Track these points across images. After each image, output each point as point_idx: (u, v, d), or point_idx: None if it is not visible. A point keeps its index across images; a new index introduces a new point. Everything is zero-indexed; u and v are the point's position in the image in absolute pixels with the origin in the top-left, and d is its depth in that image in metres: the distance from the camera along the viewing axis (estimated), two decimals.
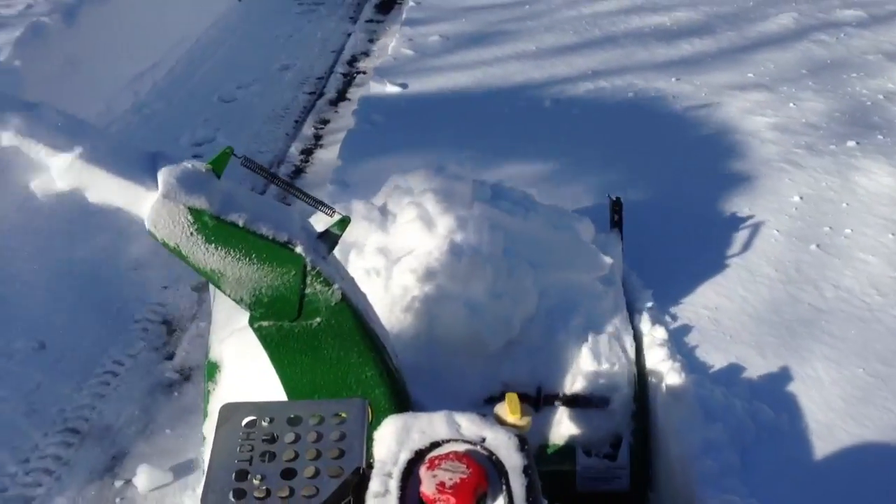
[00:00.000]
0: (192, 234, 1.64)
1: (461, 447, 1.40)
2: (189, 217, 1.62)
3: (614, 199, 3.05)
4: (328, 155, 4.76)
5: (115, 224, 3.44)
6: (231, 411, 1.55)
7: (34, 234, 3.84)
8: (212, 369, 2.44)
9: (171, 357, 3.37)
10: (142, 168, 1.64)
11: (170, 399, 3.11)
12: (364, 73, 6.24)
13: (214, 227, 1.64)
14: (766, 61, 4.86)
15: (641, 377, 2.49)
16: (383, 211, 2.63)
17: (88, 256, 3.83)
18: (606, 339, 2.49)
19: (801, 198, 3.37)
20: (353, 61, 6.51)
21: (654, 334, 2.64)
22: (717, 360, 2.52)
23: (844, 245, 3.06)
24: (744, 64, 4.85)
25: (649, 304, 2.77)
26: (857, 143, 3.77)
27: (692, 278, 2.86)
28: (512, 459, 1.40)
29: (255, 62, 6.33)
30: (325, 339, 1.84)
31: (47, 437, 2.96)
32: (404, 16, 6.11)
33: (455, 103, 4.53)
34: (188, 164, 1.66)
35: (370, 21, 7.22)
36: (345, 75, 6.26)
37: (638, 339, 2.59)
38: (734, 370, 2.47)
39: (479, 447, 1.42)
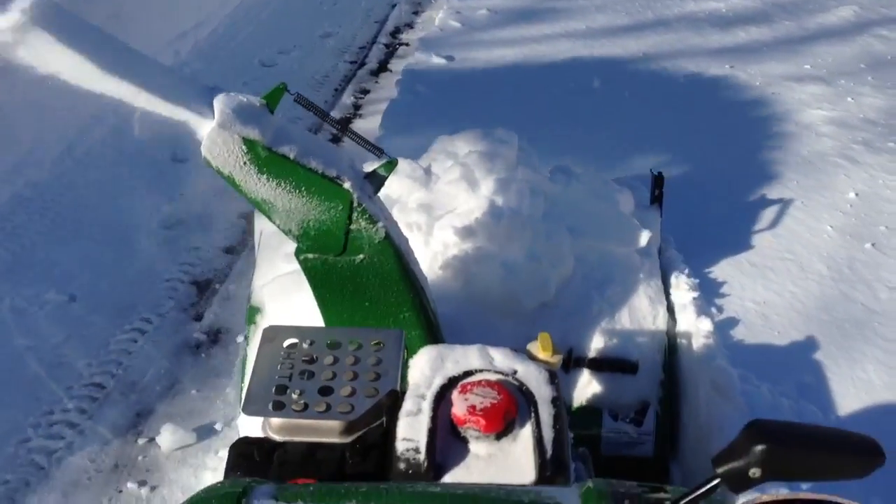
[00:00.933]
0: (245, 163, 1.72)
1: (493, 377, 1.46)
2: (243, 147, 1.70)
3: (657, 174, 3.13)
4: (368, 125, 4.69)
5: None
6: (274, 333, 1.61)
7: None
8: (252, 313, 2.54)
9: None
10: (199, 97, 1.72)
11: None
12: (407, 44, 6.27)
13: (266, 158, 1.71)
14: (824, 54, 4.75)
15: (672, 347, 2.58)
16: (427, 171, 2.73)
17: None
18: (639, 307, 2.58)
19: (857, 194, 3.28)
20: (396, 32, 6.53)
21: (686, 303, 2.70)
22: (764, 356, 2.45)
23: None
24: (801, 55, 4.75)
25: (685, 278, 2.81)
26: None
27: (739, 269, 2.81)
28: (541, 391, 1.45)
29: (298, 28, 6.37)
30: (367, 277, 1.90)
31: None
32: None
33: (502, 79, 4.52)
34: (243, 98, 1.74)
35: None
36: (387, 46, 6.28)
37: (671, 309, 2.67)
38: (782, 367, 2.39)
39: (510, 377, 1.48)
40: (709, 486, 0.96)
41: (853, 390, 2.32)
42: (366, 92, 5.54)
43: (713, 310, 2.64)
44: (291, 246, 1.94)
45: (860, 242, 3.03)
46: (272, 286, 2.51)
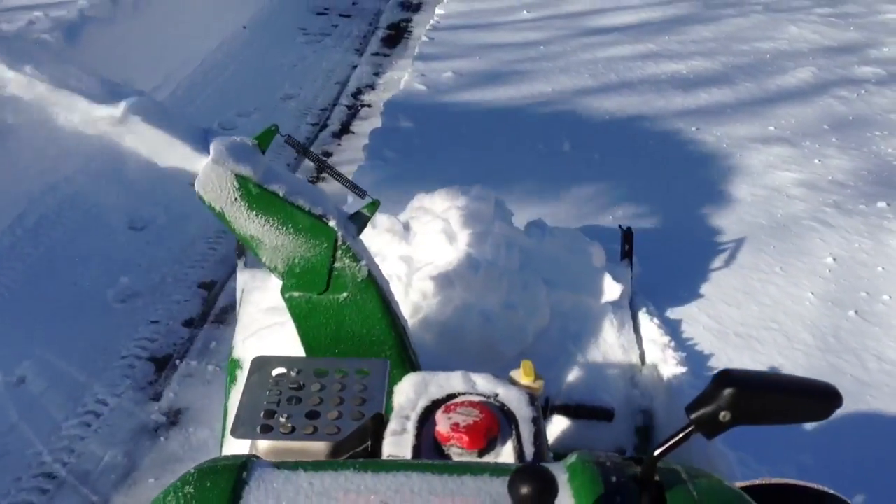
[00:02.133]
0: (236, 199, 1.83)
1: (476, 398, 1.54)
2: (235, 183, 1.82)
3: (625, 229, 3.28)
4: (331, 189, 4.57)
5: None
6: (262, 363, 1.72)
7: None
8: (233, 367, 2.59)
9: None
10: (193, 135, 1.86)
11: None
12: (369, 106, 6.41)
13: (257, 195, 1.84)
14: (787, 115, 4.87)
15: (647, 395, 2.70)
16: (406, 226, 2.88)
17: None
18: (614, 357, 2.74)
19: (834, 259, 3.29)
20: (357, 94, 6.63)
21: (661, 351, 2.84)
22: (752, 436, 2.36)
23: (883, 312, 2.97)
24: (764, 117, 4.86)
25: (657, 327, 2.95)
26: (888, 204, 3.73)
27: (725, 341, 2.77)
28: (522, 411, 1.53)
29: (258, 90, 6.47)
30: (350, 315, 1.99)
31: None
32: (417, 50, 6.07)
33: (472, 142, 4.58)
34: (237, 138, 1.88)
35: (376, 54, 7.16)
36: (349, 108, 6.39)
37: (644, 358, 2.82)
38: (773, 448, 2.28)
39: (492, 399, 1.56)
40: (684, 432, 1.02)
41: (853, 470, 2.23)
42: (328, 155, 5.46)
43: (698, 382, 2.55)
44: (272, 301, 2.08)
45: (843, 310, 3.02)
46: (253, 339, 2.58)
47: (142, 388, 3.50)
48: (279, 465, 1.11)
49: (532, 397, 1.59)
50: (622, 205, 3.86)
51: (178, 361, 3.62)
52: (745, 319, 3.00)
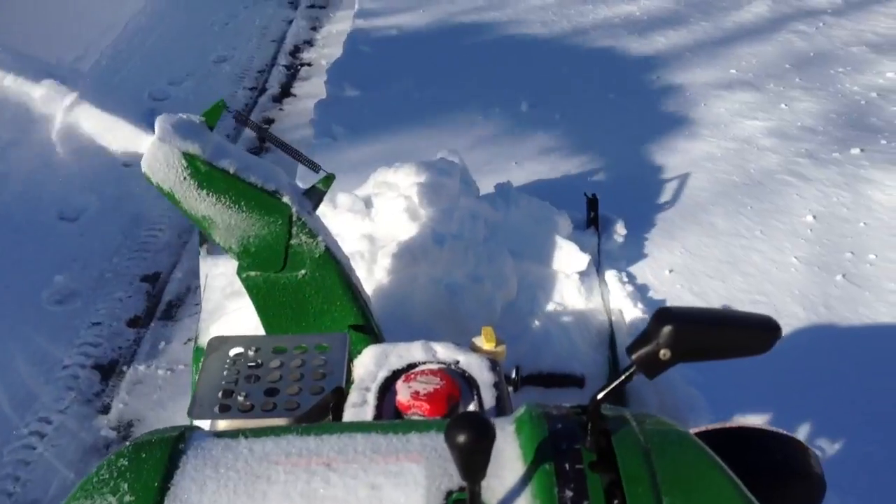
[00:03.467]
0: (185, 178, 1.79)
1: (436, 366, 1.55)
2: (183, 161, 1.78)
3: (590, 196, 3.28)
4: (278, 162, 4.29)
5: None
6: (219, 343, 1.70)
7: None
8: (199, 354, 2.56)
9: None
10: (138, 115, 1.85)
11: None
12: (309, 64, 6.23)
13: (206, 173, 1.80)
14: (747, 55, 4.75)
15: (615, 360, 2.75)
16: (368, 202, 2.86)
17: None
18: (583, 325, 2.78)
19: (815, 217, 3.19)
20: (295, 52, 6.39)
21: (630, 316, 2.87)
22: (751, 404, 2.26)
23: (872, 274, 2.86)
24: (724, 59, 4.76)
25: (626, 292, 2.96)
26: (862, 150, 3.63)
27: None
28: (484, 376, 1.54)
29: (188, 54, 6.18)
30: (310, 292, 1.98)
31: None
32: (357, 6, 5.65)
33: (422, 107, 4.16)
34: (183, 115, 1.83)
35: (312, 6, 6.80)
36: (288, 68, 6.15)
37: (612, 324, 2.86)
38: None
39: (453, 367, 1.57)
40: (626, 374, 1.03)
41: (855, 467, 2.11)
42: (270, 122, 5.17)
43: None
44: (236, 286, 2.05)
45: (830, 275, 2.90)
46: (217, 326, 2.56)
47: (88, 401, 3.26)
48: (219, 434, 1.10)
49: (494, 363, 1.60)
50: (586, 167, 3.75)
51: (124, 367, 3.46)
52: (731, 293, 2.88)
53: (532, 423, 1.05)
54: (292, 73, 5.99)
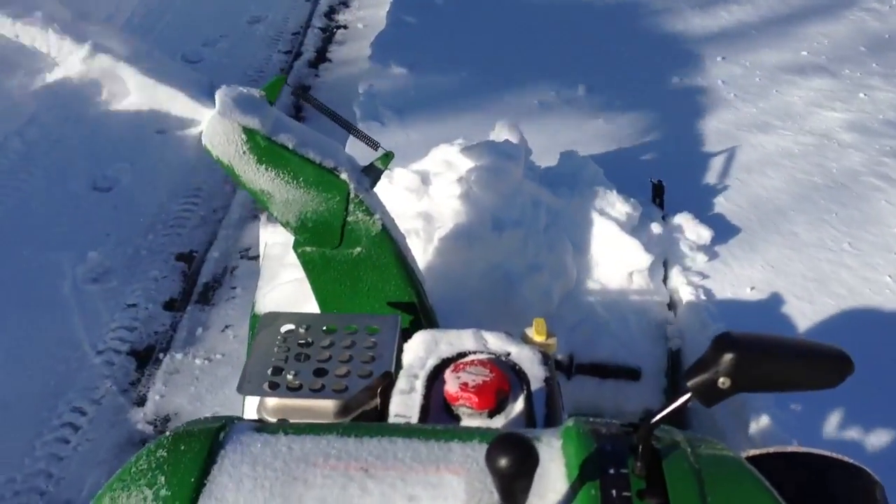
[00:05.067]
0: (244, 152, 1.84)
1: (486, 356, 1.55)
2: (242, 136, 1.83)
3: (656, 182, 3.24)
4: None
5: None
6: (272, 319, 1.74)
7: None
8: (255, 322, 2.62)
9: None
10: (199, 88, 2.03)
11: None
12: (345, 27, 6.00)
13: (266, 148, 1.84)
14: (818, 35, 4.60)
15: (676, 356, 2.71)
16: (426, 179, 2.84)
17: None
18: (644, 318, 2.74)
19: None
20: (331, 13, 6.22)
21: (694, 312, 2.79)
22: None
23: None
24: (793, 38, 4.59)
25: (691, 289, 2.87)
26: None
27: None
28: (535, 371, 1.53)
29: (222, 13, 6.03)
30: (364, 270, 2.00)
31: None
32: None
33: (475, 92, 4.24)
34: (243, 89, 1.87)
35: None
36: (323, 30, 5.99)
37: (676, 319, 2.81)
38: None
39: (503, 358, 1.57)
40: (680, 400, 1.00)
41: None
42: (307, 88, 4.97)
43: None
44: (293, 256, 2.04)
45: None
46: (274, 294, 2.60)
47: (123, 391, 3.20)
48: (260, 429, 1.11)
49: (545, 356, 1.59)
50: (649, 158, 3.61)
51: (160, 354, 3.42)
52: (820, 317, 2.66)
53: (580, 440, 1.03)
54: (328, 37, 5.87)
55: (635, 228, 2.98)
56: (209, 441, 1.05)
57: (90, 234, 3.88)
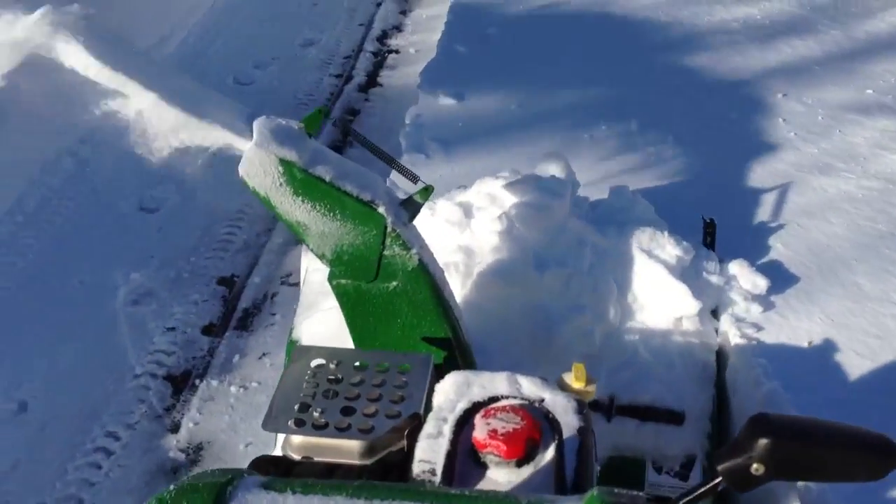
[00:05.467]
0: (281, 184, 1.84)
1: (518, 403, 1.51)
2: (279, 167, 1.82)
3: (708, 220, 3.19)
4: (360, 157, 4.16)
5: None
6: (303, 353, 1.74)
7: None
8: (291, 347, 2.65)
9: None
10: (239, 118, 1.93)
11: None
12: (397, 52, 6.02)
13: (302, 180, 1.84)
14: (883, 73, 4.52)
15: (722, 399, 2.65)
16: (468, 212, 2.82)
17: None
18: (689, 361, 2.68)
19: None
20: (383, 38, 6.23)
21: (741, 358, 2.69)
22: None
23: None
24: (858, 75, 4.49)
25: (744, 340, 2.76)
26: None
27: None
28: (568, 420, 1.49)
29: (275, 36, 6.10)
30: (400, 305, 1.99)
31: None
32: None
33: (524, 125, 4.17)
34: (282, 121, 1.87)
35: None
36: (375, 55, 6.02)
37: (722, 362, 2.74)
38: None
39: (536, 405, 1.53)
40: (710, 484, 0.95)
41: None
42: (355, 113, 4.97)
43: None
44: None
45: None
46: (312, 322, 2.61)
47: (157, 417, 3.18)
48: (267, 485, 1.09)
49: (581, 404, 1.54)
50: (703, 199, 3.44)
51: (196, 381, 3.43)
52: (881, 376, 2.51)
53: None
54: (379, 61, 5.91)
55: (686, 272, 2.88)
56: (212, 499, 1.04)
57: (134, 255, 3.91)
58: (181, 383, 3.33)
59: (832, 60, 4.77)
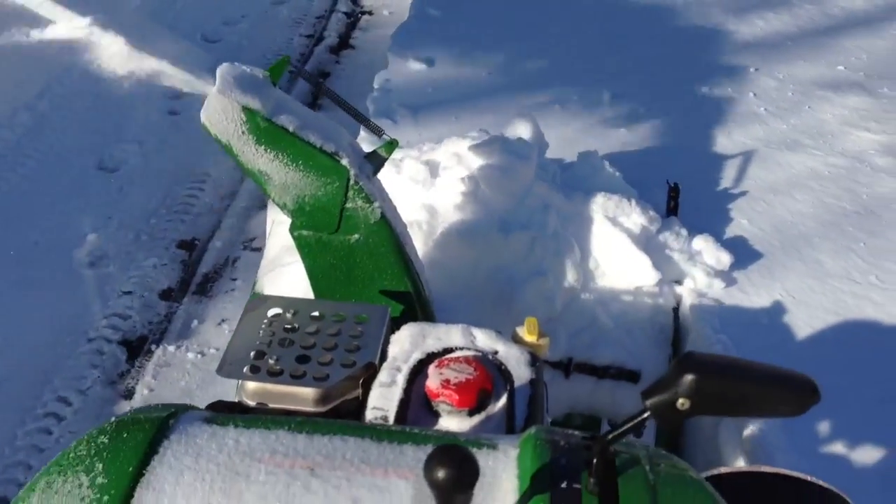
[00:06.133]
0: (243, 132, 1.82)
1: (472, 354, 1.54)
2: (242, 115, 1.81)
3: (672, 184, 3.22)
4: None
5: None
6: (259, 302, 1.74)
7: None
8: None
9: None
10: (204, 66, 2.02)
11: None
12: (370, 13, 5.93)
13: (265, 129, 1.83)
14: (856, 49, 4.45)
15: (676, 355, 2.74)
16: (434, 171, 2.80)
17: None
18: (647, 324, 2.73)
19: None
20: None
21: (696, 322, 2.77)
22: None
23: None
24: (830, 51, 4.45)
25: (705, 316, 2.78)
26: None
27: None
28: (521, 371, 1.52)
29: None
30: (361, 257, 1.99)
31: None
32: None
33: (494, 93, 4.13)
34: (246, 68, 1.86)
35: None
36: (348, 15, 5.92)
37: (679, 325, 2.79)
38: None
39: (489, 356, 1.56)
40: (638, 419, 0.99)
41: None
42: (325, 75, 4.86)
43: None
44: None
45: None
46: (274, 276, 2.62)
47: (111, 383, 3.13)
48: (210, 419, 1.09)
49: (534, 357, 1.58)
50: (671, 173, 3.34)
51: (153, 346, 3.36)
52: (838, 355, 2.55)
53: (535, 451, 1.01)
54: (352, 22, 5.76)
55: (650, 242, 2.91)
56: (153, 430, 1.03)
57: (92, 215, 3.80)
58: (137, 348, 3.28)
59: (805, 35, 4.78)
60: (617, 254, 2.83)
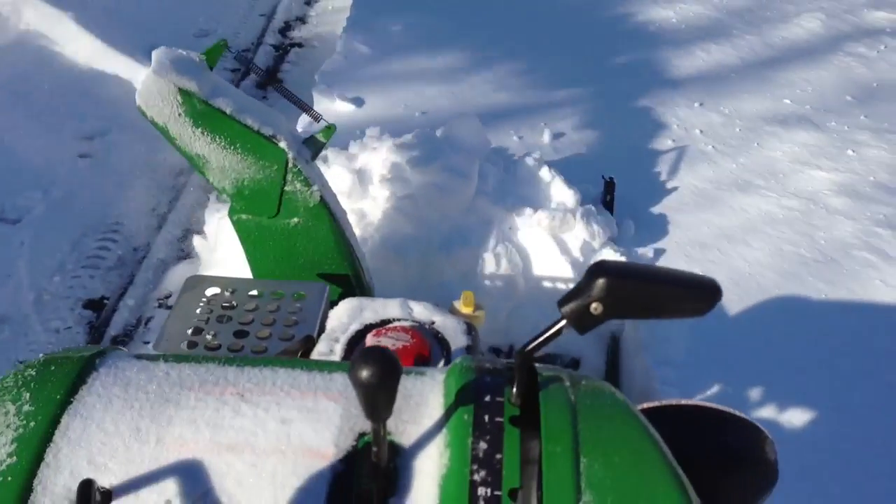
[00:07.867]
0: (180, 114, 1.83)
1: (409, 324, 1.61)
2: (178, 98, 1.82)
3: (608, 179, 3.32)
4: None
5: None
6: (196, 282, 1.76)
7: None
8: None
9: None
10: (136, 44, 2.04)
11: None
12: (300, 45, 5.71)
13: (202, 111, 1.84)
14: (800, 81, 4.43)
15: (615, 344, 2.79)
16: (363, 178, 2.81)
17: None
18: None
19: None
20: (286, 30, 5.87)
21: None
22: None
23: None
24: (775, 84, 4.42)
25: None
26: None
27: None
28: (458, 340, 1.58)
29: (167, 25, 5.60)
30: (300, 241, 2.01)
31: None
32: None
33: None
34: (182, 51, 1.87)
35: None
36: (276, 48, 5.67)
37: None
38: None
39: (427, 326, 1.62)
40: (555, 327, 1.04)
41: None
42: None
43: None
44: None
45: None
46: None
47: None
48: (139, 356, 1.12)
49: (470, 327, 1.64)
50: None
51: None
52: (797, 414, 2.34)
53: (460, 373, 1.06)
54: (280, 55, 5.56)
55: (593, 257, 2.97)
56: (81, 364, 1.05)
57: None
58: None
59: (749, 67, 4.77)
60: (559, 267, 2.85)
